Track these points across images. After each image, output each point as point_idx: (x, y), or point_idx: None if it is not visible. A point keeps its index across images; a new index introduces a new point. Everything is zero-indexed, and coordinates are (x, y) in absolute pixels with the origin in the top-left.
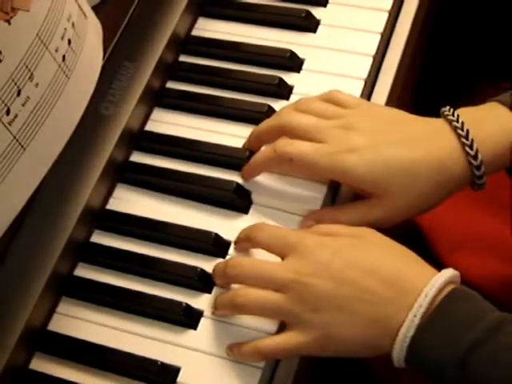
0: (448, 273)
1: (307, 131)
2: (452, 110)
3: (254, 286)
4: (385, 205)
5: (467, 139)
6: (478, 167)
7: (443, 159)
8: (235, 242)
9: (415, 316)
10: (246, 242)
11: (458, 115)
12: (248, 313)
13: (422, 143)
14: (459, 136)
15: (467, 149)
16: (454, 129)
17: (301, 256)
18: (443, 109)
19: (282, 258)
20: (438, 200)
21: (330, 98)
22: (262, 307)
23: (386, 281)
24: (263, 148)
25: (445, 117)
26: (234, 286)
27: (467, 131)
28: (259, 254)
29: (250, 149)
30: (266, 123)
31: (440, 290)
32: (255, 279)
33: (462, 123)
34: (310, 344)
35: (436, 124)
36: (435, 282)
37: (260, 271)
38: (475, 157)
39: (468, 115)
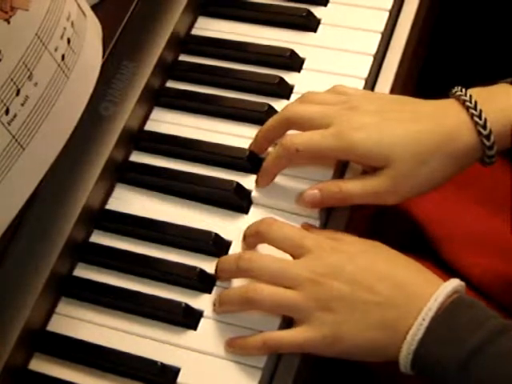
0: (455, 282)
1: (312, 119)
2: (460, 87)
3: (265, 282)
4: (391, 175)
5: (475, 110)
6: (488, 137)
7: (451, 129)
8: (244, 237)
9: (424, 319)
10: (256, 237)
11: (465, 90)
12: (259, 308)
13: (429, 118)
14: (467, 108)
15: (476, 119)
16: (463, 102)
17: (317, 257)
18: (452, 90)
19: (294, 258)
20: (445, 174)
21: (334, 90)
22: (275, 302)
23: (397, 286)
24: (270, 149)
25: (453, 94)
26: (236, 283)
27: (475, 103)
28: (265, 250)
29: (257, 150)
30: (272, 120)
31: (448, 297)
32: (270, 275)
33: (470, 96)
34: (317, 341)
35: (443, 102)
36: (444, 288)
37: (276, 267)
38: (484, 126)
39: (476, 92)
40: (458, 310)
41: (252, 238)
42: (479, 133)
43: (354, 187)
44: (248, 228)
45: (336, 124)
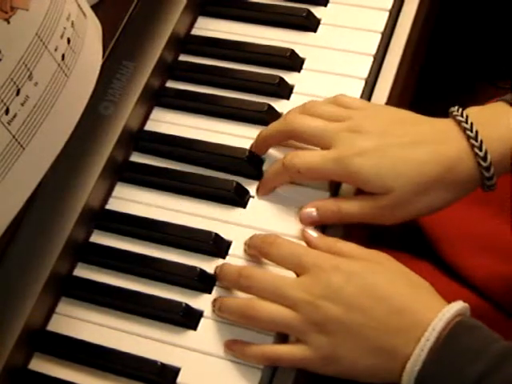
0: (456, 305)
1: (314, 135)
2: (461, 110)
3: (265, 299)
4: (390, 201)
5: (476, 140)
6: (488, 168)
7: (451, 160)
8: (247, 246)
9: (422, 350)
10: (257, 252)
11: (466, 116)
12: (256, 325)
13: (429, 145)
14: (468, 137)
15: (476, 150)
16: (463, 130)
17: (315, 277)
18: (452, 109)
19: (297, 275)
20: (444, 202)
21: (336, 102)
22: (272, 322)
23: (395, 311)
24: (272, 152)
25: (453, 117)
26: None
27: (476, 132)
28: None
29: (257, 151)
30: (273, 127)
31: (447, 324)
32: (268, 293)
33: (471, 124)
34: (314, 360)
35: (444, 125)
36: (442, 315)
37: (273, 287)
38: (484, 158)
39: (476, 115)
40: (456, 338)
41: (254, 251)
42: (479, 164)
43: (351, 208)
44: (251, 239)
45: (337, 146)
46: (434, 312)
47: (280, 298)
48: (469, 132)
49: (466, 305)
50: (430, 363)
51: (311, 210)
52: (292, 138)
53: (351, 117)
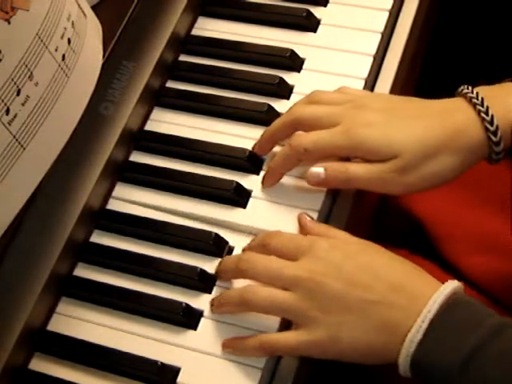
0: (454, 283)
1: (319, 118)
2: (467, 85)
3: (263, 283)
4: (399, 165)
5: (482, 106)
6: (495, 133)
7: (459, 125)
8: (243, 250)
9: (423, 321)
10: (260, 248)
11: (472, 88)
12: (255, 309)
13: (436, 114)
14: (475, 104)
15: (483, 115)
16: (469, 99)
17: (313, 257)
18: (458, 89)
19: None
20: (452, 171)
21: (340, 91)
22: (270, 303)
23: (395, 286)
24: (276, 148)
25: (460, 92)
26: (237, 284)
27: (482, 99)
28: None
29: (261, 152)
30: (278, 121)
31: (448, 297)
32: (266, 275)
33: (477, 93)
34: (311, 344)
35: (450, 100)
36: (444, 289)
37: (272, 267)
38: (491, 122)
39: (483, 89)
40: (456, 311)
41: (257, 249)
42: (486, 129)
43: (359, 169)
44: (251, 242)
45: (343, 122)
46: (433, 287)
47: (279, 279)
48: (475, 100)
49: (461, 284)
50: (430, 334)
51: (319, 170)
52: (299, 128)
53: (355, 99)
